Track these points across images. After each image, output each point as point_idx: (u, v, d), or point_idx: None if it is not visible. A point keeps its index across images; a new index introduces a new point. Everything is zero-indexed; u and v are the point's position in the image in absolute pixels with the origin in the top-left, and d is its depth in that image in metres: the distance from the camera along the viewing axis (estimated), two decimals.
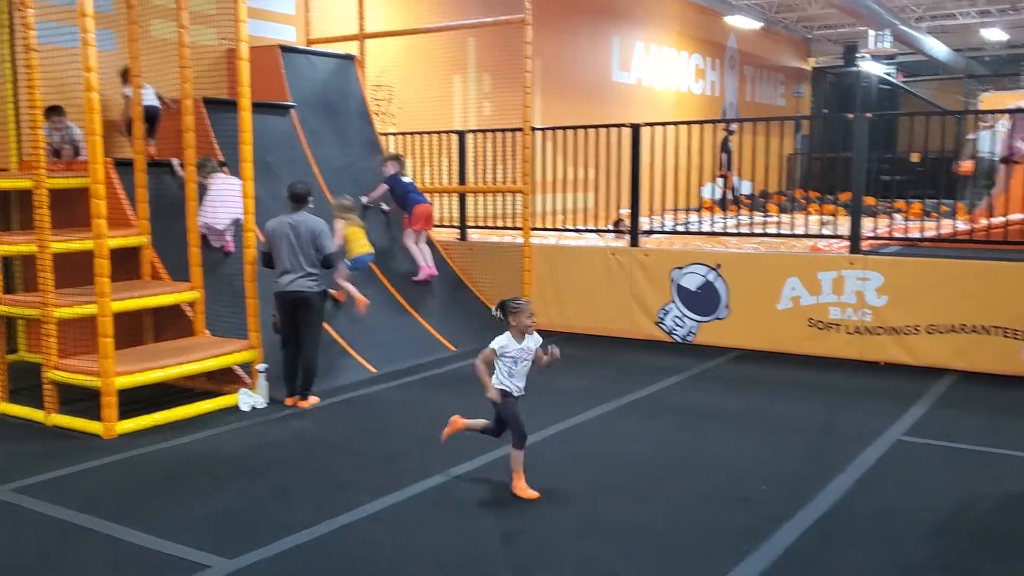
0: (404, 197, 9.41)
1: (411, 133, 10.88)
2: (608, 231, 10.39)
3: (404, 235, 9.48)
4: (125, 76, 7.88)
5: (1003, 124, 11.31)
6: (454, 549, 4.28)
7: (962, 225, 10.04)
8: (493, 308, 5.15)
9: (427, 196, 10.03)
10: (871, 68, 21.17)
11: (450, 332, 9.05)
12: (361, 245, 8.28)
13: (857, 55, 21.76)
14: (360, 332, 8.21)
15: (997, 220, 9.11)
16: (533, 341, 5.07)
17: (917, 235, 8.95)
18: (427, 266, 9.40)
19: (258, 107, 7.70)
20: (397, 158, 9.63)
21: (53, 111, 7.44)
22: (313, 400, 6.96)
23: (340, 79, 10.37)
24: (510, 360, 5.04)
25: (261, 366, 7.00)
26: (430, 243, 9.77)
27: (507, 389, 5.03)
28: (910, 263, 8.06)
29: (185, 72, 7.15)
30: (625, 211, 9.77)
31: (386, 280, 9.20)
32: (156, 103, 8.13)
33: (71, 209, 6.96)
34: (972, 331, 7.67)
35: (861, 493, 4.99)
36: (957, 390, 7.29)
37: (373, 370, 7.92)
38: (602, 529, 4.51)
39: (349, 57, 10.56)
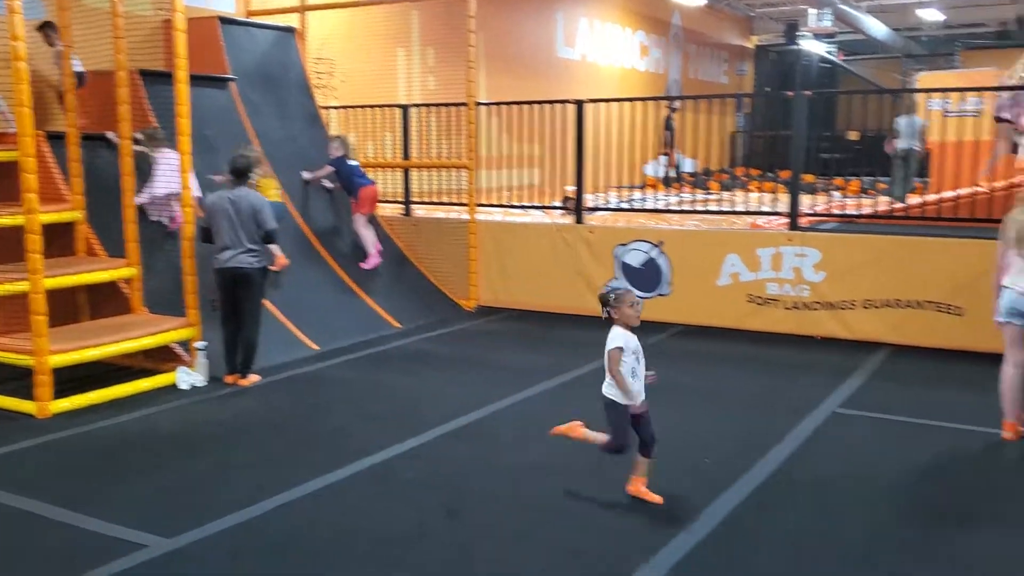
0: (349, 180, 9.31)
1: (353, 107, 10.75)
2: (555, 208, 10.41)
3: (354, 220, 9.38)
4: (47, 31, 7.67)
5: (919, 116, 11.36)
6: (397, 525, 4.28)
7: (898, 202, 10.26)
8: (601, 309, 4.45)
9: (371, 173, 9.96)
10: (812, 47, 21.45)
11: (395, 309, 9.00)
12: (271, 196, 8.16)
13: (798, 33, 22.02)
14: (302, 309, 8.12)
15: (931, 197, 9.34)
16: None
17: (854, 212, 9.13)
18: (375, 255, 9.30)
19: (196, 80, 7.52)
20: (344, 140, 9.52)
21: None
22: (254, 378, 6.88)
23: (280, 52, 10.19)
24: (632, 357, 4.37)
25: (200, 344, 6.89)
26: (373, 220, 9.69)
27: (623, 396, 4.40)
28: (847, 240, 8.23)
29: (119, 43, 6.95)
30: (571, 188, 9.79)
31: (330, 257, 9.11)
32: (83, 70, 7.89)
33: (1, 184, 6.75)
34: (907, 306, 7.86)
35: (798, 463, 5.10)
36: (891, 363, 7.47)
37: (315, 347, 7.85)
38: (545, 504, 4.54)
39: (289, 29, 10.37)
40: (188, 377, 6.76)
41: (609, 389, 4.45)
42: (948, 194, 9.87)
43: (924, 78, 15.11)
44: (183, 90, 6.78)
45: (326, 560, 3.93)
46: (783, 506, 4.50)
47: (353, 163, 9.46)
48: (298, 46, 10.37)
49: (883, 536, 4.16)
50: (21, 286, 6.15)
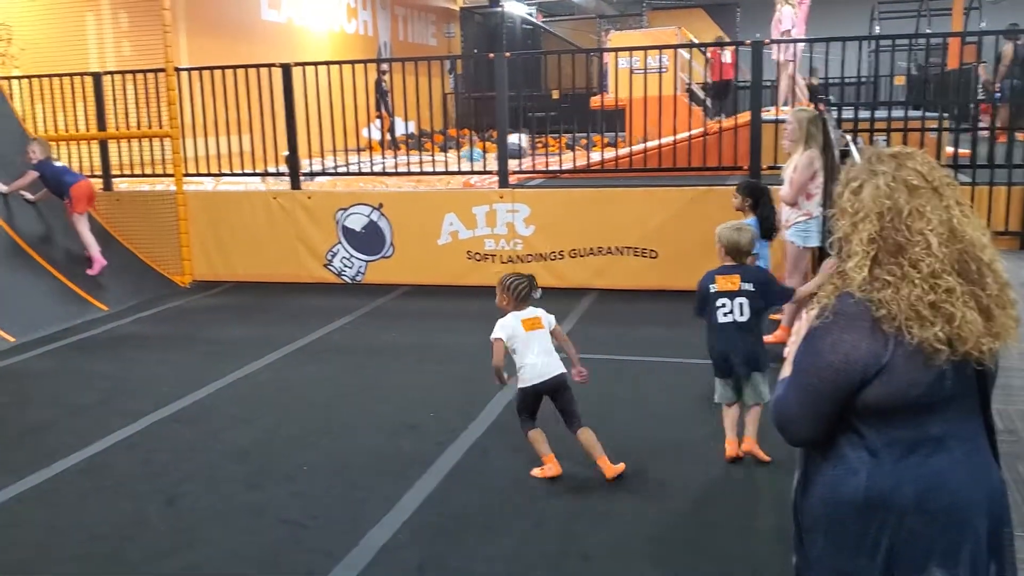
0: (58, 181, 8.47)
1: (39, 76, 9.82)
2: (271, 175, 10.14)
3: (73, 223, 8.53)
4: None
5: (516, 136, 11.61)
6: (114, 519, 4.09)
7: (596, 156, 10.97)
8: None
9: (64, 147, 9.18)
10: (514, 9, 22.19)
11: (100, 290, 8.42)
12: None
13: None
14: None
15: (623, 151, 10.08)
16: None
17: (557, 168, 9.67)
18: (100, 258, 8.54)
19: None
20: (42, 142, 8.66)
21: None
22: None
23: None
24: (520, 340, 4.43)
25: None
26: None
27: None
28: (552, 194, 8.73)
29: None
30: (286, 154, 9.58)
31: (19, 239, 8.33)
32: None
33: None
34: (607, 253, 8.49)
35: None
36: (597, 306, 8.06)
37: (11, 339, 7.19)
38: (272, 478, 4.52)
39: None
40: None
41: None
42: (637, 147, 10.69)
43: (615, 37, 16.15)
44: None
45: (34, 568, 3.69)
46: (504, 450, 4.77)
47: (58, 164, 8.67)
48: None
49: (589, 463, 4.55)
50: None
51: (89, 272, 8.49)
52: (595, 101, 13.26)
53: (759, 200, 6.33)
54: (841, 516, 1.98)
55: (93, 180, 9.69)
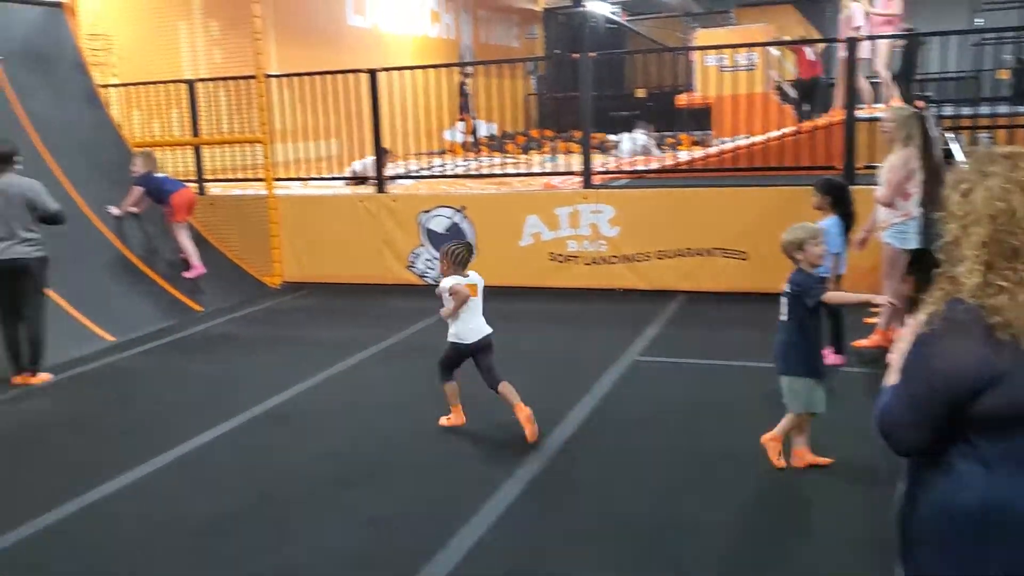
0: (160, 191, 8.74)
1: (136, 84, 10.18)
2: (355, 179, 10.32)
3: (173, 230, 8.80)
4: None
5: (640, 134, 11.50)
6: (209, 514, 4.19)
7: (684, 156, 10.84)
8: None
9: (160, 151, 9.48)
10: (597, 8, 22.08)
11: (195, 292, 8.67)
12: None
13: None
14: (93, 299, 7.68)
15: (713, 150, 9.93)
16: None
17: (643, 167, 9.59)
18: (200, 265, 8.83)
19: None
20: (148, 155, 8.98)
21: None
22: (44, 376, 6.47)
23: (49, 29, 9.47)
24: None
25: None
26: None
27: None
28: (638, 194, 8.65)
29: None
30: (359, 164, 9.73)
31: (119, 242, 8.63)
32: None
33: None
34: (696, 254, 8.37)
35: (603, 413, 5.38)
36: (685, 310, 7.96)
37: (111, 338, 7.46)
38: (361, 477, 4.58)
39: (56, 5, 9.64)
40: None
41: None
42: (728, 146, 10.52)
43: (701, 35, 15.93)
44: None
45: (139, 558, 3.82)
46: (592, 454, 4.74)
47: (160, 175, 8.94)
48: (69, 22, 9.67)
49: (681, 476, 4.48)
50: None
51: (185, 275, 8.76)
52: (681, 99, 13.11)
53: (839, 198, 6.06)
54: (955, 529, 1.90)
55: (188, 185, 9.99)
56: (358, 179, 10.07)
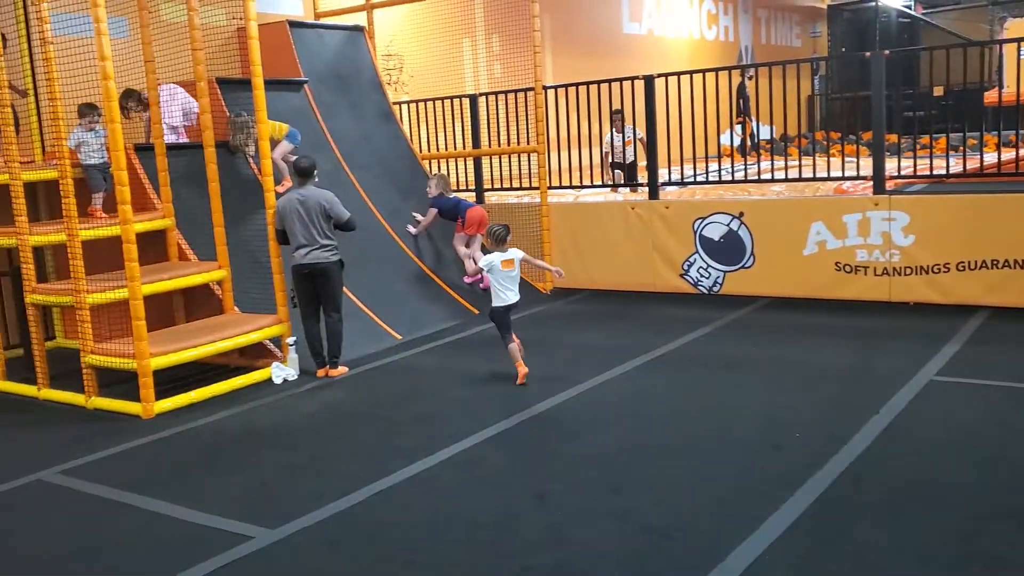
0: (455, 209, 9.26)
1: (423, 100, 10.84)
2: (627, 185, 10.35)
3: (455, 239, 9.37)
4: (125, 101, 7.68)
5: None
6: (488, 509, 4.34)
7: (990, 158, 9.85)
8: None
9: (443, 163, 9.97)
10: (888, 1, 20.69)
11: (473, 296, 9.07)
12: (279, 129, 8.18)
13: None
14: (384, 301, 8.28)
15: None
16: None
17: (943, 171, 8.81)
18: (478, 276, 9.28)
19: (271, 84, 7.72)
20: (442, 177, 9.58)
21: (89, 108, 7.02)
22: (342, 370, 7.05)
23: (350, 51, 10.34)
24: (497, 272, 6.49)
25: (291, 339, 7.08)
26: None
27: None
28: (936, 200, 7.96)
29: (197, 54, 7.14)
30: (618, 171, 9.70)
31: (408, 249, 9.22)
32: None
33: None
34: (1004, 266, 7.57)
35: (894, 435, 4.98)
36: (989, 327, 7.22)
37: (399, 337, 7.98)
38: (634, 484, 4.55)
39: (358, 28, 10.50)
40: (281, 372, 6.96)
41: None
42: None
43: (1013, 26, 14.45)
44: (260, 96, 6.95)
45: (422, 546, 4.02)
46: (880, 480, 4.41)
47: (452, 196, 9.45)
48: (367, 44, 10.50)
49: (992, 502, 4.05)
50: (121, 293, 6.41)
51: (465, 280, 9.21)
52: (990, 97, 11.94)
53: None
54: None
55: (467, 194, 10.47)
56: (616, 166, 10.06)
